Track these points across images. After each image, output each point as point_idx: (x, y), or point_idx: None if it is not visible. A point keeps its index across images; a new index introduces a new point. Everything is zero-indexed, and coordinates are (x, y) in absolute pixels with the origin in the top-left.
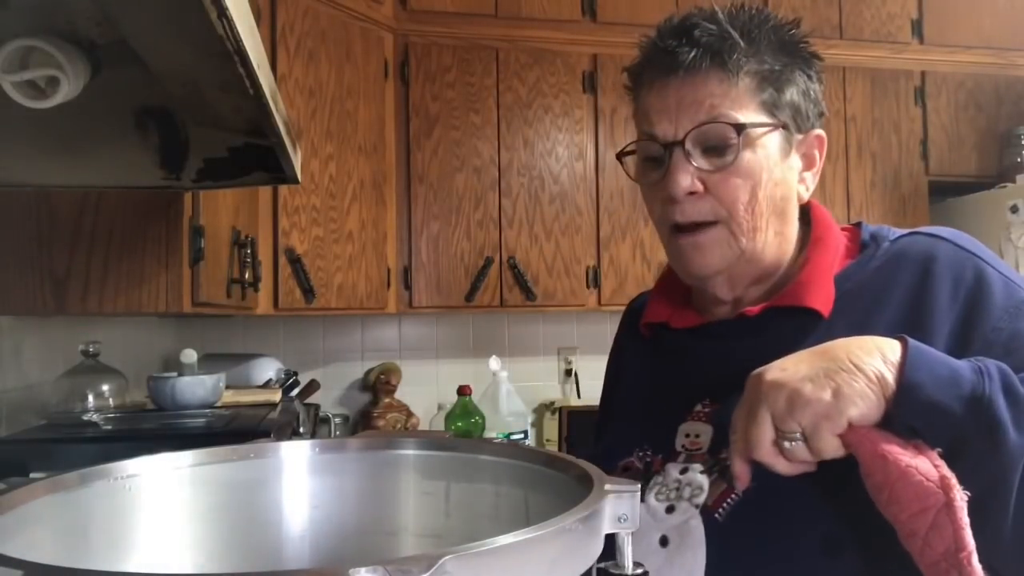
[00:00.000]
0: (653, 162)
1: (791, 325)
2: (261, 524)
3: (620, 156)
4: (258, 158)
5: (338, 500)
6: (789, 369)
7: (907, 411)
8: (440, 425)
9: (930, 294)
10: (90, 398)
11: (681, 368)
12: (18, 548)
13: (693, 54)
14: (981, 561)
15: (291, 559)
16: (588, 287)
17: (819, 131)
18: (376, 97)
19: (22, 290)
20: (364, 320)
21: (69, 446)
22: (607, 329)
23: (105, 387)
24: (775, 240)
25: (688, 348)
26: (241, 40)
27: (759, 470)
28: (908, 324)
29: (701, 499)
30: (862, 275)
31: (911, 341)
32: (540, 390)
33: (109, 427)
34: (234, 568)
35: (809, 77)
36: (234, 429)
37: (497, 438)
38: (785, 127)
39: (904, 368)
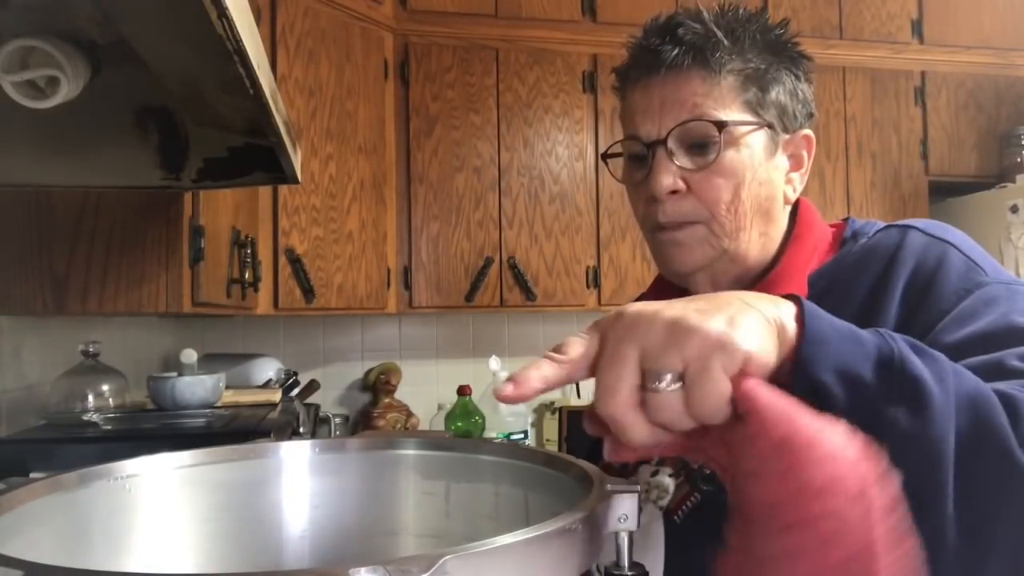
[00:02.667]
0: (638, 162)
1: None
2: (261, 524)
3: (605, 157)
4: (258, 158)
5: (338, 500)
6: (659, 304)
7: (813, 366)
8: (440, 425)
9: (891, 279)
10: (90, 398)
11: None
12: (18, 548)
13: (676, 52)
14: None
15: (291, 559)
16: (588, 287)
17: (807, 131)
18: (376, 97)
19: (22, 290)
20: (364, 320)
21: (69, 446)
22: None
23: (105, 387)
24: (759, 240)
25: None
26: (241, 40)
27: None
28: (867, 311)
29: (665, 501)
30: (836, 272)
31: (803, 298)
32: None
33: (109, 427)
34: (234, 568)
35: (797, 77)
36: (234, 429)
37: (497, 438)
38: (771, 127)
39: (803, 318)
